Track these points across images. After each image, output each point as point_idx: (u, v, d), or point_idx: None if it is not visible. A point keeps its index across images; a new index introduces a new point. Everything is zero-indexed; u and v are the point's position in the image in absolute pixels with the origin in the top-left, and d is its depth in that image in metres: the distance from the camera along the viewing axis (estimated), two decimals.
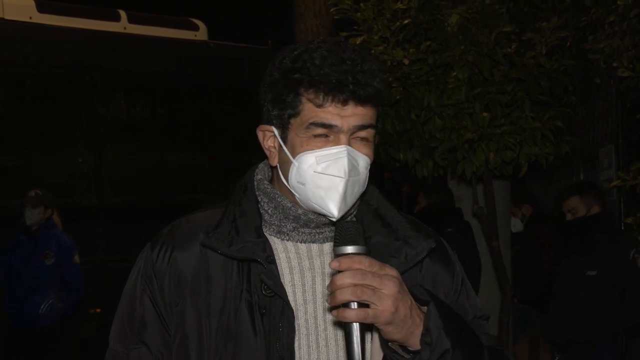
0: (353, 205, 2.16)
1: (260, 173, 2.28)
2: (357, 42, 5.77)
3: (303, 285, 2.16)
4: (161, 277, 2.17)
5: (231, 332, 2.10)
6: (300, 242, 2.19)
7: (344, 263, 1.86)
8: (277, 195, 2.19)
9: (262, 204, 2.22)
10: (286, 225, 2.19)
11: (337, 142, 2.07)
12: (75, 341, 8.29)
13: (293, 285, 2.16)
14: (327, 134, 2.07)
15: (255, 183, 2.26)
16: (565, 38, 5.87)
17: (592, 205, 6.32)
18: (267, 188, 2.21)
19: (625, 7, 5.84)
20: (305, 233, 2.19)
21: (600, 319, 5.99)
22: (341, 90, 2.03)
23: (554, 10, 6.35)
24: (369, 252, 2.13)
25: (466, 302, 2.30)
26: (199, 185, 10.99)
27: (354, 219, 2.24)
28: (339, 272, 1.87)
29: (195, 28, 11.18)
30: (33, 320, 7.87)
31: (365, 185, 2.15)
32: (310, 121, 2.07)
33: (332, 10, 6.11)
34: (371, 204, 2.27)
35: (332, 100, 2.05)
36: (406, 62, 5.52)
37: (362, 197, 2.24)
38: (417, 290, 2.00)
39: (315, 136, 2.08)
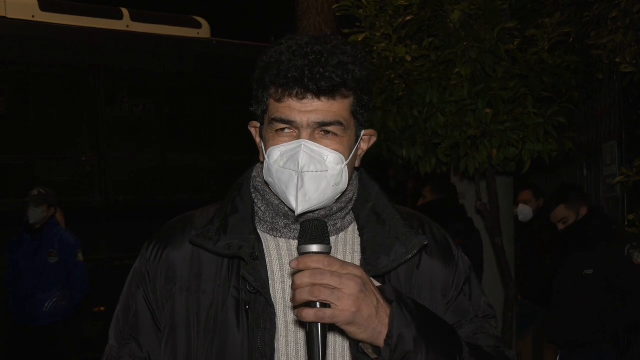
0: (325, 202, 2.12)
1: (256, 170, 2.28)
2: (360, 39, 5.77)
3: None
4: (154, 275, 2.19)
5: (217, 327, 2.11)
6: (293, 239, 2.18)
7: (302, 262, 1.85)
8: (266, 193, 2.19)
9: (256, 201, 2.22)
10: (278, 222, 2.18)
11: (299, 137, 2.06)
12: (80, 339, 8.29)
13: (283, 282, 2.15)
14: (289, 129, 2.07)
15: (251, 181, 2.26)
16: (568, 34, 5.87)
17: (579, 209, 6.30)
18: (259, 185, 2.22)
19: (628, 2, 5.84)
20: (297, 230, 2.16)
21: (599, 318, 5.98)
22: (296, 84, 2.03)
23: (557, 6, 6.36)
24: (364, 248, 2.15)
25: (467, 301, 2.27)
26: (202, 182, 11.00)
27: (350, 215, 2.24)
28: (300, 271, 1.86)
29: (198, 26, 11.19)
30: (37, 318, 7.88)
31: (345, 181, 2.12)
32: (272, 117, 2.08)
33: (334, 7, 6.11)
34: (369, 200, 2.26)
35: (289, 95, 2.04)
36: (408, 58, 5.52)
37: (360, 192, 2.24)
38: (386, 290, 1.97)
39: (279, 131, 2.08)
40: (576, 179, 9.62)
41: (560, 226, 6.38)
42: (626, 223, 6.82)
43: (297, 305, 1.87)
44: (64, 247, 7.96)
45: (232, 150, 10.91)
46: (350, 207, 2.23)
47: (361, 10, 5.86)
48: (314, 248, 1.88)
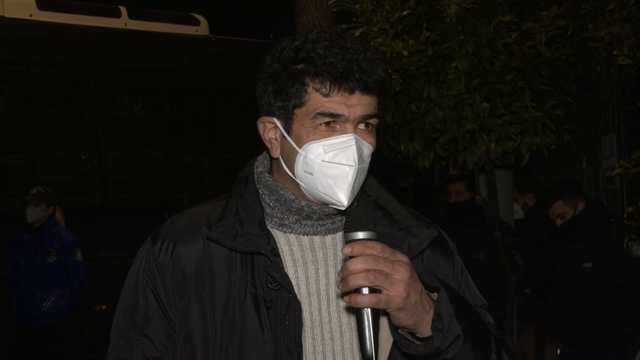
0: (357, 194, 2.16)
1: (261, 165, 2.27)
2: (356, 34, 5.76)
3: (307, 277, 2.16)
4: (164, 272, 2.16)
5: (236, 326, 2.09)
6: (303, 235, 2.19)
7: (357, 248, 1.86)
8: (279, 188, 2.18)
9: (264, 196, 2.21)
10: (288, 218, 2.18)
11: (343, 131, 2.07)
12: (81, 339, 8.30)
13: (297, 278, 2.15)
14: (333, 123, 2.07)
15: (256, 176, 2.25)
16: (566, 27, 5.85)
17: (577, 203, 6.30)
18: (269, 180, 2.21)
19: None
20: (307, 225, 2.18)
21: (598, 311, 5.98)
22: (347, 79, 2.03)
23: None
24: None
25: (467, 291, 2.30)
26: (201, 181, 11.00)
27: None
28: (351, 257, 1.86)
29: (197, 23, 11.18)
30: (37, 318, 7.88)
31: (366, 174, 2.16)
32: (318, 111, 2.06)
33: (330, 2, 6.10)
34: (370, 194, 2.27)
35: (339, 90, 2.05)
36: (405, 53, 5.51)
37: (362, 187, 2.25)
38: (426, 277, 2.00)
39: (322, 125, 2.07)
40: (575, 172, 9.62)
41: (559, 222, 6.38)
42: (625, 215, 6.81)
43: (346, 292, 1.88)
44: (62, 247, 7.96)
45: (232, 148, 10.91)
46: (356, 203, 2.23)
47: (358, 6, 5.86)
48: (362, 235, 1.89)
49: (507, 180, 7.19)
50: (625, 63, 5.78)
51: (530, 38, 5.66)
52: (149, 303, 2.17)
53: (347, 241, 1.90)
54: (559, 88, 5.91)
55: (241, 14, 18.06)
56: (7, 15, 9.35)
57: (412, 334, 1.97)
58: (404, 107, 5.68)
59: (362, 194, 2.25)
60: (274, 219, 2.19)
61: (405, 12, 5.71)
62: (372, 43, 5.66)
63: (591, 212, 6.23)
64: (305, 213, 2.16)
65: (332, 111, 2.05)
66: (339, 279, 1.89)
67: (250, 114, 2.20)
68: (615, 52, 5.80)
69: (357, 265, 1.85)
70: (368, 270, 1.84)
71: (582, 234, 6.20)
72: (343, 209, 2.08)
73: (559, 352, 6.47)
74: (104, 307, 9.11)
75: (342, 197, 2.07)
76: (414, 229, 2.19)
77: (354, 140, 2.05)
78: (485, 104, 5.43)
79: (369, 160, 2.11)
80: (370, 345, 1.88)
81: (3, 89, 9.59)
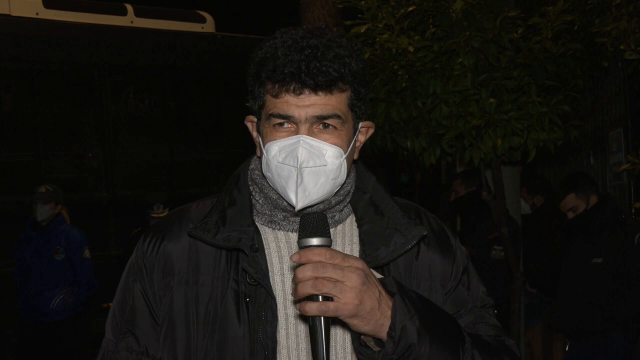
0: (325, 196, 2.12)
1: (254, 163, 2.28)
2: (362, 31, 5.76)
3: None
4: (151, 268, 2.19)
5: (217, 320, 2.11)
6: (292, 232, 2.19)
7: (304, 256, 1.85)
8: (264, 187, 2.19)
9: (254, 193, 2.22)
10: (277, 215, 2.19)
11: (297, 132, 2.06)
12: (87, 336, 8.31)
13: (282, 274, 2.15)
14: (287, 124, 2.06)
15: (249, 173, 2.27)
16: (572, 22, 5.83)
17: (589, 197, 6.28)
18: (257, 178, 2.22)
19: None
20: (295, 222, 2.18)
21: (608, 307, 5.97)
22: (293, 79, 2.02)
23: None
24: (363, 239, 2.16)
25: (465, 291, 2.28)
26: (208, 177, 11.00)
27: (348, 207, 2.24)
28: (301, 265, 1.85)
29: (202, 20, 11.18)
30: (45, 315, 7.91)
31: (343, 174, 2.12)
32: (269, 112, 2.08)
33: None
34: (366, 192, 2.27)
35: (286, 91, 2.04)
36: (411, 49, 5.50)
37: (357, 184, 2.24)
38: (387, 282, 1.97)
39: (277, 126, 2.07)
40: (582, 167, 9.57)
41: (570, 215, 6.37)
42: (633, 211, 6.79)
43: (299, 299, 1.87)
44: (70, 244, 7.99)
45: (238, 145, 10.90)
46: (348, 200, 2.24)
47: (363, 2, 5.84)
48: (315, 241, 1.88)
49: (514, 177, 7.17)
50: (633, 58, 5.76)
51: (536, 33, 5.65)
52: (136, 299, 2.21)
53: (300, 247, 1.89)
54: (565, 83, 5.89)
55: (247, 11, 18.05)
56: (14, 13, 9.37)
57: (379, 340, 1.95)
58: (409, 103, 5.66)
59: (357, 191, 2.25)
60: (264, 216, 2.20)
61: (410, 8, 5.70)
62: (377, 39, 5.66)
63: (603, 207, 6.22)
64: (291, 211, 2.16)
65: (282, 112, 2.06)
66: (292, 285, 1.89)
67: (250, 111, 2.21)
68: (622, 47, 5.79)
69: (304, 273, 1.84)
70: (316, 278, 1.83)
71: (592, 229, 6.18)
72: (296, 209, 2.07)
73: (567, 348, 6.45)
74: (110, 304, 9.11)
75: (292, 198, 2.06)
76: (403, 228, 2.18)
77: (300, 142, 2.04)
78: (492, 100, 5.42)
79: (335, 161, 2.07)
80: (322, 353, 1.87)
81: (10, 87, 9.59)
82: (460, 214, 8.20)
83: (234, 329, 2.09)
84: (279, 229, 2.19)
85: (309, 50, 2.03)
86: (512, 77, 5.50)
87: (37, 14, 9.59)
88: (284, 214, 2.18)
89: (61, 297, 7.92)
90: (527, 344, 8.22)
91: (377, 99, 5.67)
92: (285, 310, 2.12)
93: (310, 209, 2.11)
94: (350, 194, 2.23)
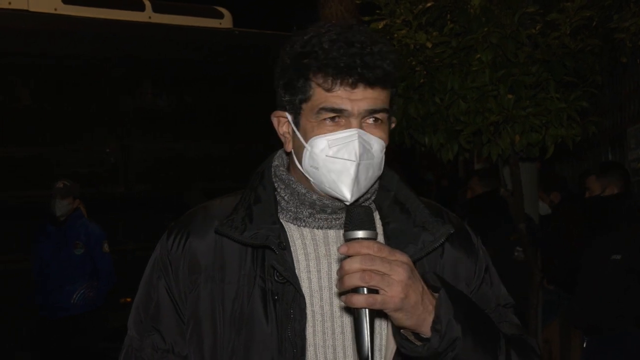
0: (369, 190, 2.15)
1: (278, 160, 2.28)
2: (380, 27, 5.75)
3: (319, 271, 2.15)
4: (176, 265, 2.18)
5: (244, 318, 2.10)
6: (317, 229, 2.19)
7: (353, 248, 1.85)
8: (292, 182, 2.19)
9: (279, 190, 2.22)
10: (302, 212, 2.18)
11: (348, 126, 2.06)
12: (104, 330, 8.35)
13: (308, 271, 2.15)
14: (337, 117, 2.06)
15: (272, 169, 2.26)
16: (590, 18, 5.80)
17: (607, 186, 6.29)
18: (283, 174, 2.22)
19: None
20: (321, 219, 2.18)
21: (626, 303, 5.95)
22: (349, 73, 2.02)
23: None
24: (389, 237, 2.14)
25: (489, 290, 2.29)
26: (226, 172, 11.01)
27: (372, 204, 2.23)
28: (349, 257, 1.85)
29: (220, 16, 11.17)
30: (65, 309, 7.94)
31: (382, 169, 2.14)
32: (321, 106, 2.06)
33: None
34: (390, 189, 2.26)
35: (341, 84, 2.04)
36: (429, 45, 5.49)
37: (381, 182, 2.23)
38: (429, 277, 1.98)
39: (326, 120, 2.07)
40: None
41: (587, 194, 6.44)
42: None
43: (344, 292, 1.87)
44: (89, 239, 8.03)
45: (257, 141, 10.89)
46: (373, 197, 2.24)
47: None
48: (361, 234, 1.88)
49: (532, 173, 7.15)
50: None
51: (554, 29, 5.62)
52: (160, 296, 2.20)
53: (346, 240, 1.90)
54: (583, 79, 5.86)
55: (265, 7, 18.06)
56: (32, 9, 9.39)
57: (417, 335, 1.95)
58: (427, 99, 5.66)
59: (381, 189, 2.25)
60: (289, 213, 2.20)
61: (429, 4, 5.69)
62: (395, 35, 5.65)
63: (618, 200, 6.21)
64: (318, 207, 2.17)
65: (335, 106, 2.05)
66: (337, 277, 1.88)
67: (275, 107, 2.20)
68: None
69: (352, 264, 1.83)
70: (364, 270, 1.82)
71: (608, 220, 6.19)
72: (348, 203, 2.08)
73: (585, 345, 6.43)
74: (128, 299, 9.14)
75: (346, 192, 2.06)
76: (430, 226, 2.18)
77: (356, 135, 2.04)
78: (510, 96, 5.40)
79: (380, 155, 2.10)
80: (367, 345, 1.87)
81: (28, 82, 9.64)
82: (477, 213, 8.14)
83: (262, 327, 2.09)
84: (304, 226, 2.19)
85: (359, 45, 2.04)
86: (531, 73, 5.48)
87: (55, 9, 9.62)
88: (310, 210, 2.18)
89: (82, 291, 7.97)
90: (544, 340, 8.20)
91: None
92: (312, 307, 2.12)
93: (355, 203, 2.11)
94: (374, 190, 2.23)
